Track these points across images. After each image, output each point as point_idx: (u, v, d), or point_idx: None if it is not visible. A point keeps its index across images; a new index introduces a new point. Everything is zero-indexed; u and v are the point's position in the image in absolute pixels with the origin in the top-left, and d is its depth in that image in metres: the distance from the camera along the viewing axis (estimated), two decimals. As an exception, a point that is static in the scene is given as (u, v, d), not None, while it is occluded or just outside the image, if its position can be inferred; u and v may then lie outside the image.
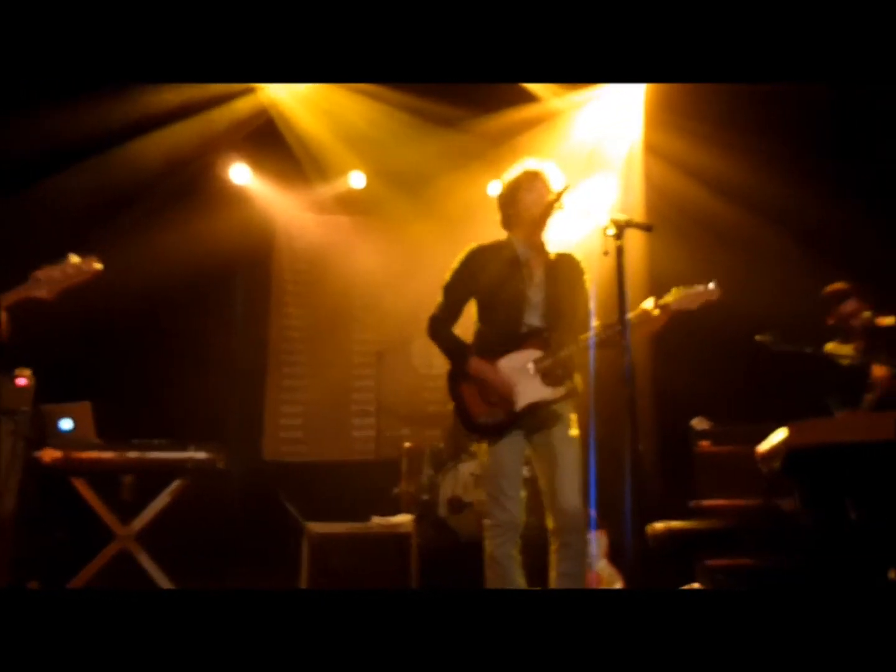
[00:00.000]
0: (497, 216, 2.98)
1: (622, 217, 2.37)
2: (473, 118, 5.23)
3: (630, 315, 2.51)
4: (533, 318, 2.83)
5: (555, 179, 2.84)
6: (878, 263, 4.04)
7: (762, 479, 3.77)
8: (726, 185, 4.78)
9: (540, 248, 2.90)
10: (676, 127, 4.94)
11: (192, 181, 5.28)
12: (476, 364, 2.78)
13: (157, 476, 4.04)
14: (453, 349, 2.87)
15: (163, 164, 4.88)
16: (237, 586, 4.33)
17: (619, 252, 2.34)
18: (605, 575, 4.22)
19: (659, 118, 5.10)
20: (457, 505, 4.61)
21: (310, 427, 5.75)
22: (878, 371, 3.56)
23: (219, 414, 5.00)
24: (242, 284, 5.78)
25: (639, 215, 4.91)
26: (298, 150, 5.49)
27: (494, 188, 5.70)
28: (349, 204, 5.95)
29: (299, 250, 6.05)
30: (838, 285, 3.84)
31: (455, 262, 2.92)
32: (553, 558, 2.75)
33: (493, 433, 2.78)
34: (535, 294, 2.84)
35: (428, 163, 5.43)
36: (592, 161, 5.25)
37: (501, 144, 5.14)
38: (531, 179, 2.84)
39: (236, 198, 5.57)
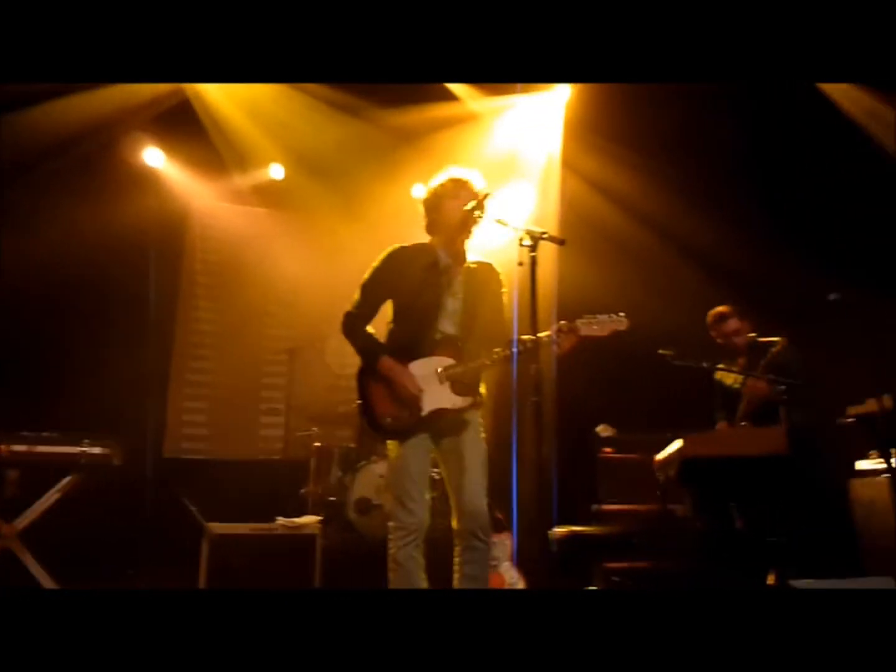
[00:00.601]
0: (421, 219, 3.00)
1: (537, 230, 2.43)
2: (394, 113, 5.22)
3: (541, 334, 2.60)
4: (447, 326, 2.87)
5: (479, 189, 2.88)
6: (769, 287, 4.34)
7: (658, 486, 4.04)
8: (636, 205, 5.01)
9: (461, 255, 2.94)
10: (593, 145, 5.14)
11: (98, 158, 5.02)
12: (387, 364, 2.80)
13: (48, 471, 3.86)
14: (367, 347, 2.88)
15: (66, 134, 4.60)
16: (132, 587, 4.20)
17: (533, 263, 2.40)
18: (508, 577, 4.34)
19: (577, 134, 5.26)
20: (365, 506, 4.61)
21: (215, 424, 5.59)
22: (751, 383, 3.86)
23: (118, 407, 4.77)
24: (153, 271, 5.50)
25: (553, 227, 5.09)
26: (216, 137, 5.35)
27: (418, 191, 5.81)
28: (268, 196, 5.84)
29: (212, 240, 5.88)
30: (721, 308, 4.18)
31: (376, 261, 2.93)
32: (457, 560, 2.80)
33: (397, 435, 2.81)
34: (452, 302, 2.88)
35: (349, 158, 5.41)
36: (510, 168, 5.34)
37: (422, 142, 5.18)
38: (456, 187, 2.88)
39: (148, 180, 5.37)
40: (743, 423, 3.93)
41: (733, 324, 4.11)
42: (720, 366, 4.14)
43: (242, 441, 5.61)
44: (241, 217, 5.88)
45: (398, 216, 5.22)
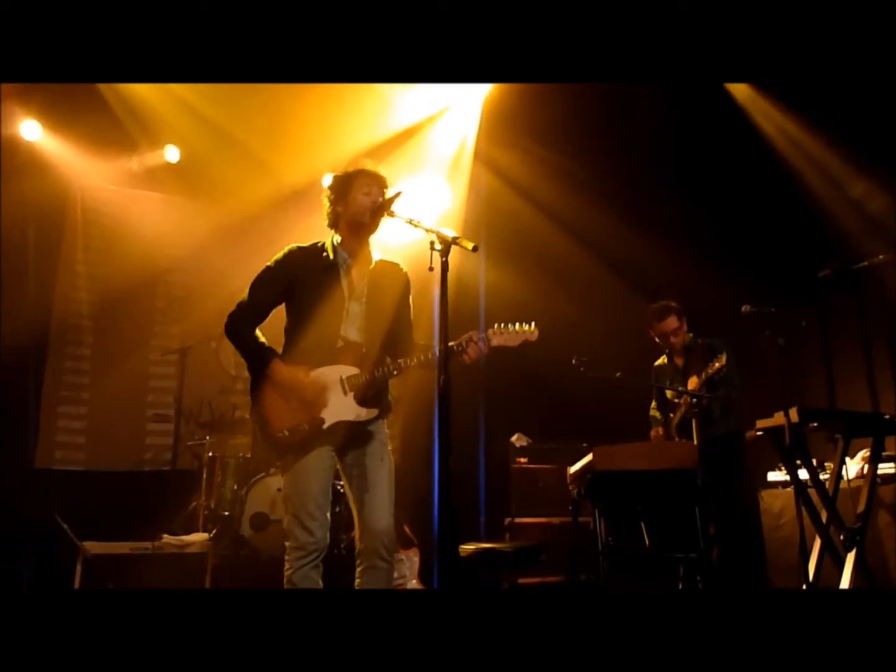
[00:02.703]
0: (325, 211, 2.89)
1: (449, 233, 2.36)
2: (301, 93, 4.98)
3: (452, 343, 2.54)
4: (350, 332, 2.77)
5: (389, 183, 2.80)
6: (685, 295, 4.40)
7: (571, 499, 4.09)
8: (553, 208, 5.03)
9: (365, 255, 2.85)
10: (513, 143, 5.13)
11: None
12: (279, 368, 2.67)
13: None
14: (253, 351, 2.74)
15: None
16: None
17: (444, 268, 2.33)
18: (414, 595, 4.32)
19: (496, 131, 5.25)
20: (262, 522, 4.47)
21: (94, 431, 5.30)
22: (692, 384, 3.92)
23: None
24: (32, 255, 5.14)
25: (468, 226, 5.12)
26: (105, 111, 5.08)
27: (327, 181, 5.79)
28: (162, 179, 5.60)
29: (96, 224, 5.56)
30: (660, 303, 4.22)
31: (270, 261, 2.80)
32: (358, 581, 2.73)
33: (294, 448, 2.68)
34: (355, 306, 2.79)
35: (252, 141, 5.21)
36: (422, 161, 5.27)
37: (327, 124, 5.04)
38: (365, 180, 2.78)
39: (26, 155, 5.08)
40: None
41: (672, 322, 4.14)
42: (658, 362, 4.21)
43: (125, 450, 5.37)
44: (130, 201, 5.63)
45: (306, 204, 5.03)
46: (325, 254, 2.81)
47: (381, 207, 2.69)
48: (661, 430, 4.19)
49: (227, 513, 4.59)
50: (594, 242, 5.09)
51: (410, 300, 2.93)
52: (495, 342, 2.68)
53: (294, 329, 2.78)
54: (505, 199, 5.21)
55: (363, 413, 2.72)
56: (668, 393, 4.23)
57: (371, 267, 2.84)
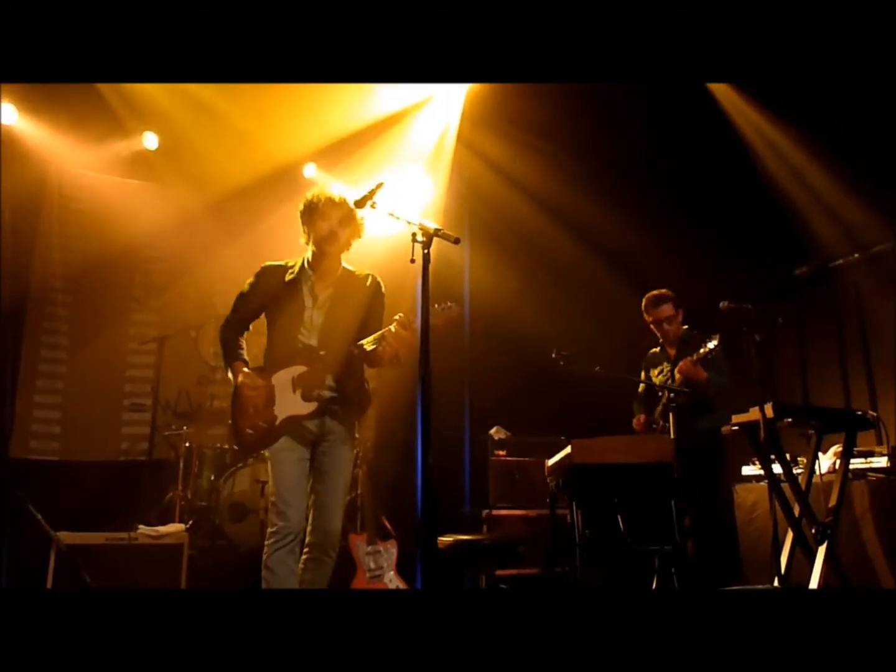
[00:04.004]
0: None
1: (431, 225, 2.42)
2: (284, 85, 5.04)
3: (378, 332, 2.79)
4: (309, 338, 3.04)
5: (349, 209, 2.99)
6: (670, 288, 4.45)
7: (549, 492, 4.17)
8: (539, 197, 5.06)
9: (329, 268, 3.10)
10: (495, 130, 5.11)
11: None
12: (238, 376, 2.99)
13: None
14: (226, 355, 3.10)
15: None
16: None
17: (426, 261, 2.39)
18: (392, 587, 4.38)
19: (477, 119, 5.24)
20: (240, 513, 4.53)
21: (70, 421, 5.26)
22: (686, 367, 3.94)
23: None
24: (6, 240, 4.94)
25: (450, 217, 5.15)
26: (84, 95, 5.04)
27: (309, 171, 5.71)
28: (141, 167, 5.58)
29: (73, 211, 5.52)
30: (658, 291, 4.28)
31: (251, 276, 3.16)
32: (301, 567, 2.94)
33: (258, 446, 3.01)
34: (316, 315, 3.05)
35: (232, 126, 5.17)
36: (402, 151, 5.29)
37: (308, 109, 5.03)
38: (328, 207, 3.02)
39: (3, 138, 4.94)
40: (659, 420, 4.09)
41: (667, 309, 4.22)
42: (652, 351, 4.26)
43: (101, 440, 5.31)
44: (108, 187, 5.58)
45: (285, 192, 5.21)
46: (290, 271, 3.11)
47: (338, 235, 2.99)
48: (643, 418, 4.27)
49: (203, 503, 4.60)
50: (581, 233, 5.13)
51: (381, 305, 3.14)
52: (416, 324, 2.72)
53: (269, 338, 3.13)
54: (489, 189, 5.24)
55: (303, 408, 2.96)
56: (654, 370, 4.30)
57: (335, 278, 3.10)
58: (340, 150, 5.33)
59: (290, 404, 2.98)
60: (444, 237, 2.39)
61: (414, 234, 2.42)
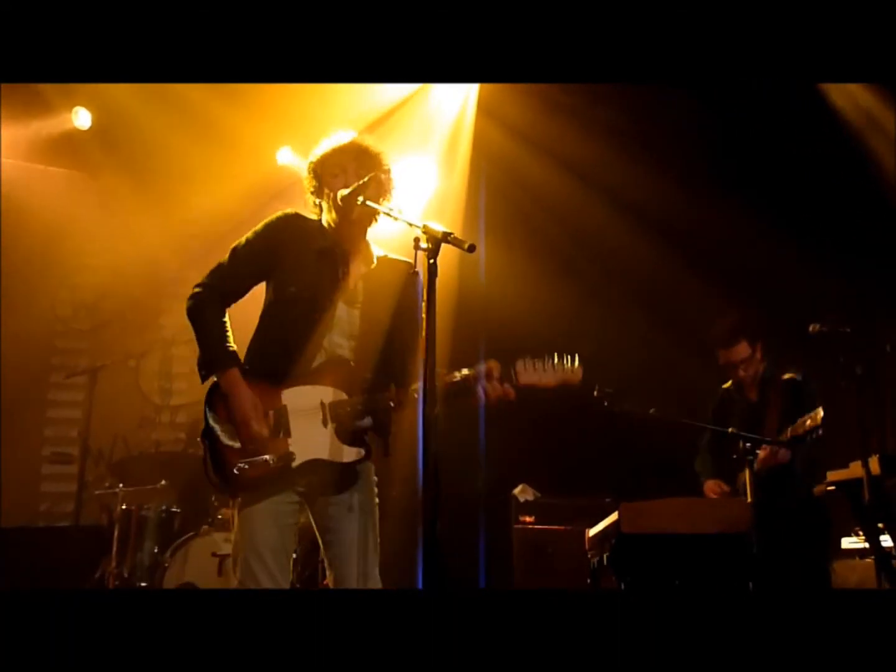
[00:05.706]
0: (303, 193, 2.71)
1: (439, 228, 2.15)
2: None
3: (465, 371, 2.42)
4: (339, 344, 2.53)
5: (375, 156, 2.61)
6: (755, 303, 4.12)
7: (590, 569, 3.83)
8: (568, 200, 4.69)
9: (365, 251, 2.61)
10: (529, 92, 4.63)
11: None
12: (232, 379, 2.41)
13: None
14: (212, 343, 2.47)
15: None
16: None
17: (432, 272, 2.12)
18: None
19: (493, 97, 4.88)
20: (189, 596, 4.12)
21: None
22: (767, 453, 3.50)
23: None
24: None
25: (465, 218, 4.83)
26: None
27: (284, 156, 5.46)
28: (69, 152, 5.20)
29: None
30: (729, 320, 3.81)
31: (259, 224, 2.58)
32: None
33: (251, 486, 2.44)
34: (349, 312, 2.56)
35: (196, 104, 4.73)
36: (410, 141, 5.03)
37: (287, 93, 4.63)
38: (334, 159, 2.58)
39: None
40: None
41: (742, 350, 3.72)
42: (725, 386, 3.91)
43: (13, 501, 4.85)
44: (28, 179, 5.22)
45: (262, 187, 5.00)
46: (323, 234, 2.58)
47: (355, 193, 2.47)
48: (724, 485, 3.77)
49: (144, 584, 4.23)
50: (637, 226, 4.67)
51: (418, 306, 2.56)
52: (525, 380, 2.47)
53: (269, 325, 2.56)
54: (510, 184, 4.86)
55: (345, 453, 2.49)
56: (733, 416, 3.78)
57: (370, 264, 2.62)
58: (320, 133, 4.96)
59: (316, 442, 2.46)
60: (455, 243, 2.16)
61: (417, 240, 2.18)
